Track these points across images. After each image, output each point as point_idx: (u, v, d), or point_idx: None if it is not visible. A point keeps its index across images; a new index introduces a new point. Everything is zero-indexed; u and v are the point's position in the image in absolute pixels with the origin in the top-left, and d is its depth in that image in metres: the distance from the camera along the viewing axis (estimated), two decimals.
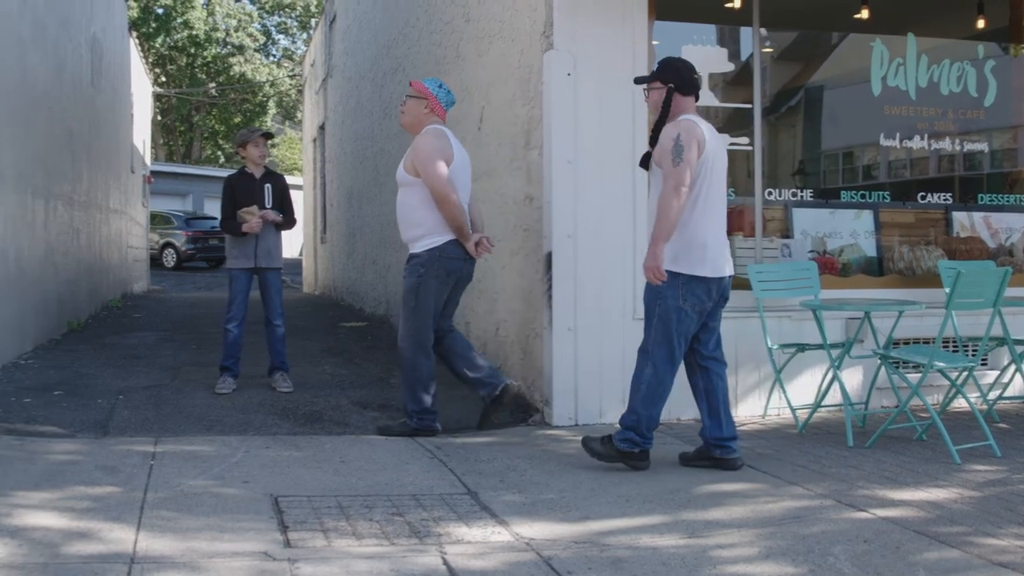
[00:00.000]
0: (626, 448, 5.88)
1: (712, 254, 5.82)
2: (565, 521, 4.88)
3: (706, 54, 7.92)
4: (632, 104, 7.24)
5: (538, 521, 4.87)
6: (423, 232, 6.79)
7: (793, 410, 7.18)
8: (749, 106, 7.91)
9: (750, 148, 7.87)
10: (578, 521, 4.88)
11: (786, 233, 8.14)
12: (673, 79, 5.91)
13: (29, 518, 4.60)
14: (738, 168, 8.12)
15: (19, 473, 5.41)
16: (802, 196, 8.20)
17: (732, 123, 8.05)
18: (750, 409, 7.54)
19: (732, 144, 7.87)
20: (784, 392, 7.26)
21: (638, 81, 6.28)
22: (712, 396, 6.03)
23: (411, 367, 6.83)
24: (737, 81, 8.04)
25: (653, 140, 5.94)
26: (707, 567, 4.21)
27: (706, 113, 8.04)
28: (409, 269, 6.83)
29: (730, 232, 7.88)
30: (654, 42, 7.48)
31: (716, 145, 5.92)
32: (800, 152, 8.63)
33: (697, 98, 6.04)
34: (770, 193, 7.99)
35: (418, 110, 6.91)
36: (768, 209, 7.99)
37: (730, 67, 7.98)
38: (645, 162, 6.06)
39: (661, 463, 6.03)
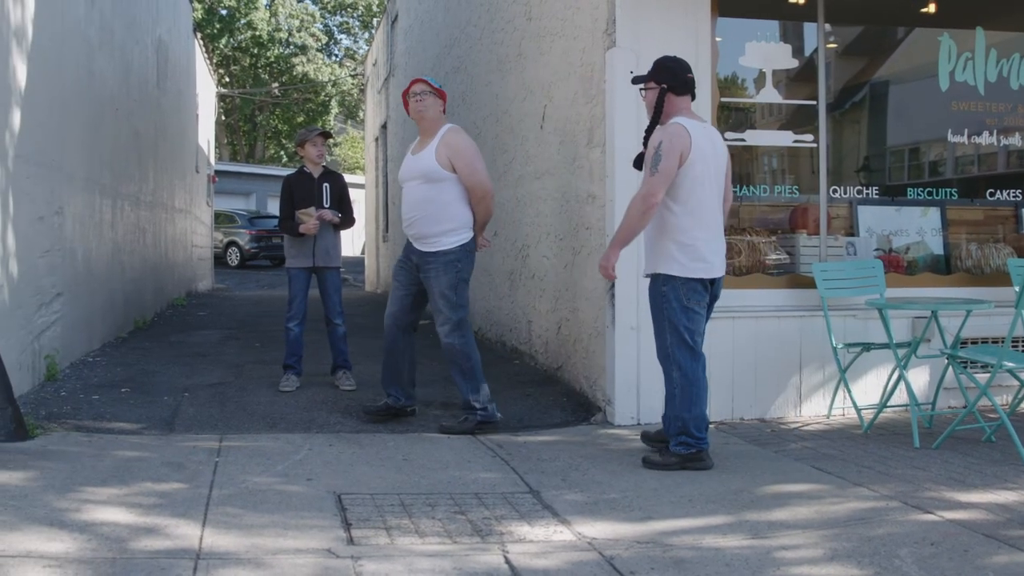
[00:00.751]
0: (683, 451, 5.88)
1: (706, 256, 5.91)
2: (627, 521, 4.86)
3: (769, 50, 7.84)
4: (696, 101, 7.19)
5: (600, 520, 4.86)
6: (454, 227, 6.91)
7: (858, 410, 7.10)
8: (813, 103, 7.83)
9: (815, 145, 7.78)
10: (640, 521, 4.87)
11: (851, 231, 8.04)
12: (667, 79, 5.96)
13: (98, 513, 4.67)
14: (802, 165, 8.05)
15: (88, 469, 5.49)
16: (867, 193, 8.10)
17: (796, 120, 7.97)
18: (814, 409, 7.47)
19: (796, 141, 7.81)
20: (849, 392, 7.19)
21: (634, 81, 6.28)
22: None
23: (467, 358, 6.93)
24: (801, 77, 7.96)
25: (646, 140, 6.01)
26: (771, 568, 4.18)
27: (770, 110, 8.01)
28: (443, 266, 6.89)
29: (793, 229, 7.85)
30: (717, 39, 7.43)
31: (709, 148, 5.96)
32: (865, 149, 8.51)
33: (693, 97, 6.08)
34: (835, 190, 7.89)
35: (438, 108, 7.06)
36: (833, 206, 7.90)
37: (794, 63, 7.90)
38: (638, 163, 6.16)
39: (724, 464, 5.98)
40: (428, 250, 6.93)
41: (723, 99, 7.60)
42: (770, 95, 7.89)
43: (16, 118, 7.11)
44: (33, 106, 7.50)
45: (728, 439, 6.68)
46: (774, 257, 7.92)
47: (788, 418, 7.38)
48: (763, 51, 7.82)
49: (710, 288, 6.01)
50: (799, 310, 7.47)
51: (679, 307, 5.87)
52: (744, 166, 8.01)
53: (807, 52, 8.00)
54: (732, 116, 7.89)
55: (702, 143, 5.89)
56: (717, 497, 5.28)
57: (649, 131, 6.01)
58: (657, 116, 5.98)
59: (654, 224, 5.95)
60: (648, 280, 6.09)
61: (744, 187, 7.82)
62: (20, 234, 7.23)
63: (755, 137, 7.88)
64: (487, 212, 7.06)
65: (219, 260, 30.53)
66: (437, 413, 7.48)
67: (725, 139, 7.42)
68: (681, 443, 5.87)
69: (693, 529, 4.75)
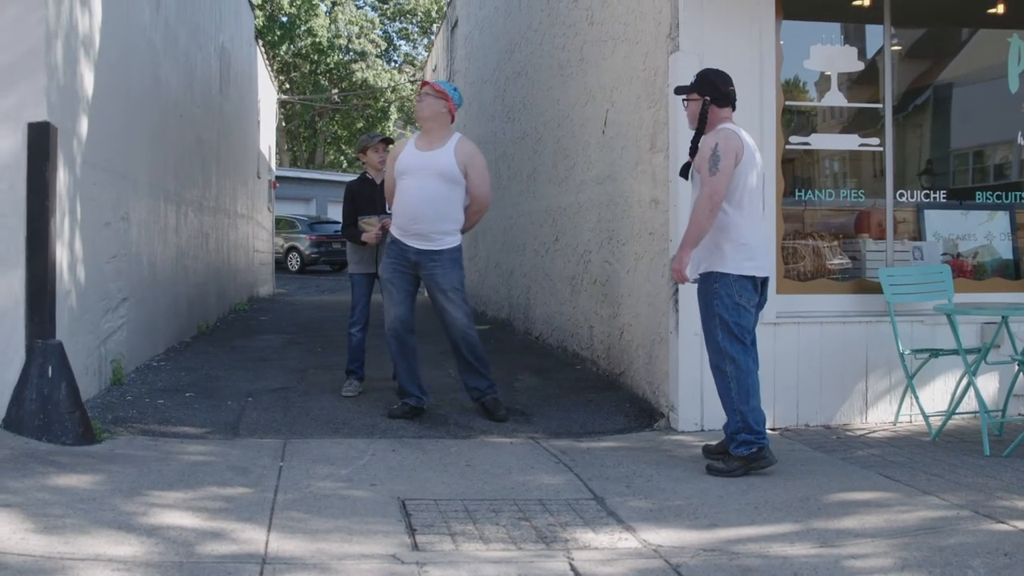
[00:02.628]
0: (745, 452, 5.86)
1: (756, 254, 5.99)
2: (693, 528, 4.83)
3: (834, 53, 7.76)
4: (760, 104, 7.15)
5: (665, 528, 4.82)
6: (456, 228, 7.34)
7: (926, 417, 6.99)
8: (878, 106, 7.75)
9: (880, 149, 7.69)
10: (706, 528, 4.82)
11: (917, 235, 7.93)
12: (709, 91, 6.08)
13: (165, 517, 4.71)
14: (865, 168, 7.96)
15: (154, 473, 5.54)
16: (934, 197, 7.99)
17: (860, 123, 7.88)
18: (881, 415, 7.37)
19: (862, 145, 7.73)
20: (916, 399, 7.09)
21: (678, 91, 6.35)
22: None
23: (478, 345, 7.49)
24: (865, 80, 7.87)
25: (693, 150, 6.10)
26: None
27: (832, 113, 7.93)
28: (450, 263, 7.26)
29: (858, 234, 7.76)
30: (781, 42, 7.37)
31: (755, 154, 6.09)
32: (930, 151, 8.40)
33: (734, 108, 6.15)
34: (901, 194, 7.79)
35: (437, 108, 7.36)
36: (898, 210, 7.80)
37: (859, 66, 7.81)
38: (685, 172, 6.27)
39: (790, 471, 5.92)
40: (433, 248, 7.19)
41: (787, 103, 7.52)
42: (835, 98, 7.80)
43: (83, 125, 7.21)
44: (100, 113, 7.59)
45: (793, 446, 6.62)
46: (838, 262, 7.84)
47: (854, 425, 7.29)
48: (828, 54, 7.75)
49: (762, 286, 6.05)
50: (865, 315, 7.38)
51: (731, 303, 5.89)
52: (807, 170, 7.94)
53: (871, 54, 7.91)
54: (795, 120, 7.81)
55: (751, 148, 6.04)
56: (783, 504, 5.22)
57: (695, 141, 6.09)
58: (702, 127, 6.08)
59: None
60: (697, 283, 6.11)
61: (807, 191, 7.74)
62: (87, 240, 7.33)
63: (820, 141, 7.81)
64: (478, 222, 7.71)
65: (280, 265, 30.77)
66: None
67: (789, 143, 7.41)
68: (742, 443, 5.85)
69: (760, 537, 4.70)
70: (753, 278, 5.97)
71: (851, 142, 7.84)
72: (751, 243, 5.96)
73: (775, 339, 7.17)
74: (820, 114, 7.97)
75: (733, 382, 5.89)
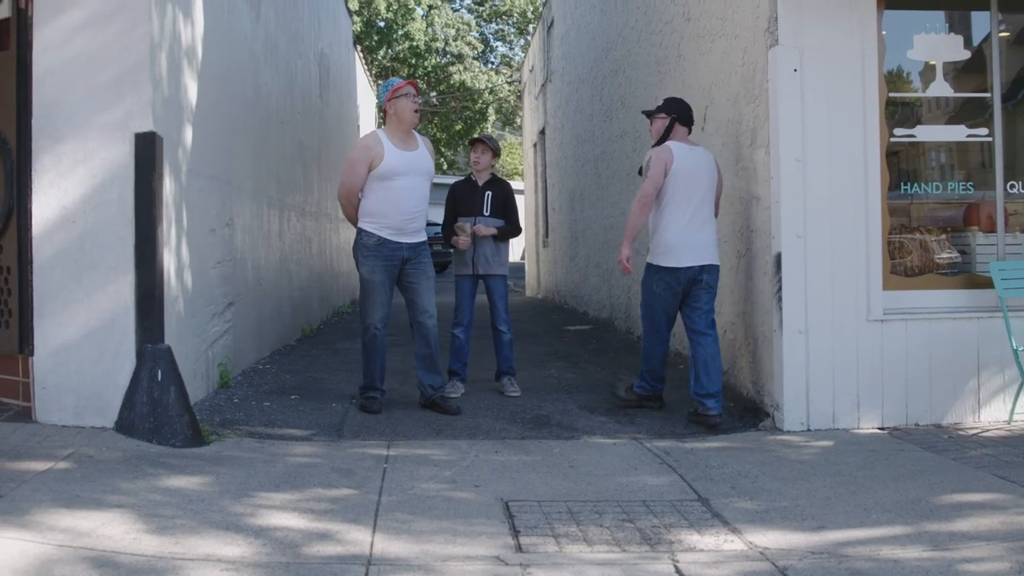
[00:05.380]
0: (641, 391, 7.76)
1: (676, 250, 7.32)
2: (800, 530, 4.74)
3: (938, 42, 7.58)
4: (863, 97, 7.02)
5: (772, 529, 4.75)
6: None
7: None
8: (986, 95, 7.55)
9: (989, 139, 7.49)
10: (814, 530, 4.74)
11: None
12: (676, 111, 7.53)
13: (272, 518, 4.76)
14: (973, 159, 7.75)
15: (261, 475, 5.61)
16: None
17: (966, 113, 7.68)
18: (994, 414, 7.17)
19: (970, 136, 7.53)
20: None
21: (646, 113, 7.83)
22: (696, 362, 7.30)
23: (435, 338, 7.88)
24: (971, 68, 7.67)
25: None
26: None
27: (938, 103, 7.74)
28: (428, 255, 7.84)
29: (967, 227, 7.56)
30: (883, 32, 7.22)
31: (691, 163, 7.34)
32: None
33: (690, 129, 7.58)
34: (1012, 186, 7.57)
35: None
36: (1010, 202, 7.58)
37: (965, 55, 7.61)
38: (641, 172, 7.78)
39: (899, 471, 5.80)
40: (421, 240, 7.72)
41: (891, 94, 7.37)
42: (940, 88, 7.61)
43: (188, 134, 7.34)
44: (204, 122, 7.73)
45: (903, 445, 6.48)
46: (947, 256, 7.65)
47: (966, 424, 7.11)
48: (932, 43, 7.57)
49: (685, 276, 7.34)
50: (976, 311, 7.19)
51: (647, 288, 7.55)
52: (912, 162, 7.76)
53: (977, 42, 7.70)
54: (900, 111, 7.65)
55: (686, 160, 7.31)
56: (893, 506, 5.11)
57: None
58: (663, 140, 7.48)
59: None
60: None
61: (913, 184, 7.57)
62: (193, 246, 7.46)
63: (926, 133, 7.62)
64: None
65: None
66: (602, 419, 7.46)
67: (893, 136, 7.26)
68: (639, 385, 7.79)
69: (869, 539, 4.60)
70: (673, 269, 7.32)
71: (958, 133, 7.64)
72: (670, 240, 7.33)
73: (882, 337, 7.03)
74: (925, 105, 7.79)
75: (642, 351, 7.78)
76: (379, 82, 41.73)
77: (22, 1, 6.44)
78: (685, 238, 7.29)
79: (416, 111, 7.56)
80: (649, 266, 7.46)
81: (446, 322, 8.31)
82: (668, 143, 7.39)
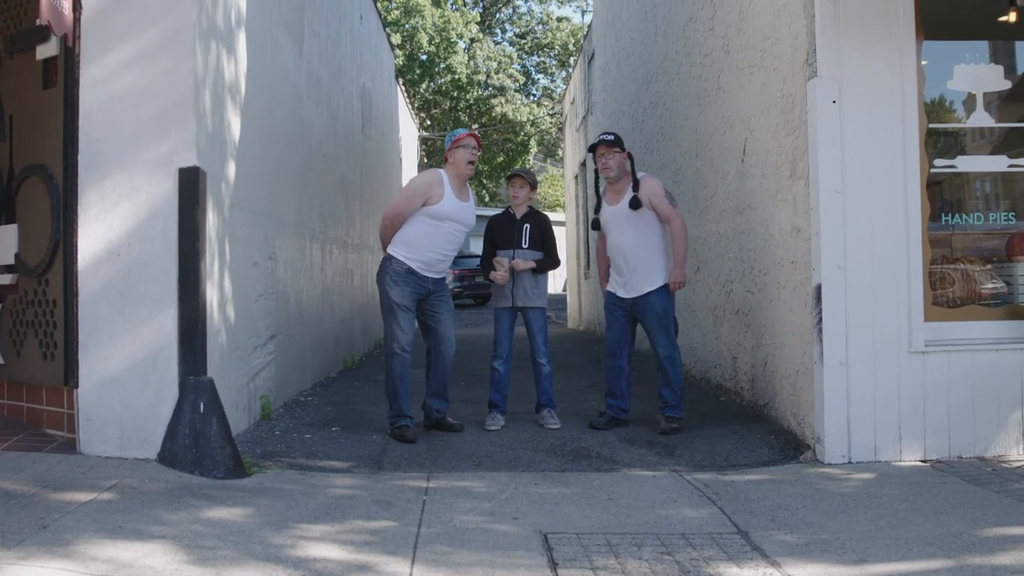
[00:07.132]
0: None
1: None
2: (841, 563, 4.71)
3: (979, 72, 7.55)
4: (903, 128, 7.00)
5: (812, 563, 4.72)
6: None
7: None
8: None
9: None
10: (854, 564, 4.70)
11: None
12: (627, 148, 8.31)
13: (311, 550, 4.79)
14: (1017, 190, 7.68)
15: (301, 507, 5.64)
16: None
17: (1009, 143, 7.63)
18: None
19: (1012, 166, 7.47)
20: None
21: (609, 145, 8.26)
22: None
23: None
24: (1013, 98, 7.63)
25: (636, 186, 8.13)
26: None
27: (980, 133, 7.70)
28: (447, 287, 8.39)
29: (1010, 258, 7.50)
30: (923, 62, 7.20)
31: None
32: None
33: None
34: None
35: None
36: None
37: (1006, 84, 7.57)
38: (596, 225, 8.55)
39: (941, 504, 5.75)
40: (443, 275, 8.17)
41: (931, 125, 7.34)
42: (981, 119, 7.58)
43: (231, 169, 7.43)
44: (246, 156, 7.82)
45: (945, 478, 6.42)
46: (990, 287, 7.59)
47: (1010, 456, 7.03)
48: (973, 73, 7.54)
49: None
50: (1020, 342, 7.13)
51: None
52: (955, 192, 7.71)
53: (1020, 71, 7.67)
54: (940, 141, 7.61)
55: None
56: (935, 539, 5.06)
57: (634, 186, 8.15)
58: (622, 175, 8.25)
59: (657, 246, 8.14)
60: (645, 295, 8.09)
61: (955, 215, 7.52)
62: (236, 279, 7.54)
63: (967, 163, 7.57)
64: None
65: None
66: (641, 451, 7.43)
67: (934, 166, 7.25)
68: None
69: (910, 573, 4.56)
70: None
71: (1000, 163, 7.59)
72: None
73: (924, 369, 6.98)
74: (967, 135, 7.75)
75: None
76: (421, 114, 42.06)
77: (69, 39, 6.56)
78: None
79: (471, 163, 7.99)
80: (664, 287, 8.09)
81: (486, 355, 8.33)
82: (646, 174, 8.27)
